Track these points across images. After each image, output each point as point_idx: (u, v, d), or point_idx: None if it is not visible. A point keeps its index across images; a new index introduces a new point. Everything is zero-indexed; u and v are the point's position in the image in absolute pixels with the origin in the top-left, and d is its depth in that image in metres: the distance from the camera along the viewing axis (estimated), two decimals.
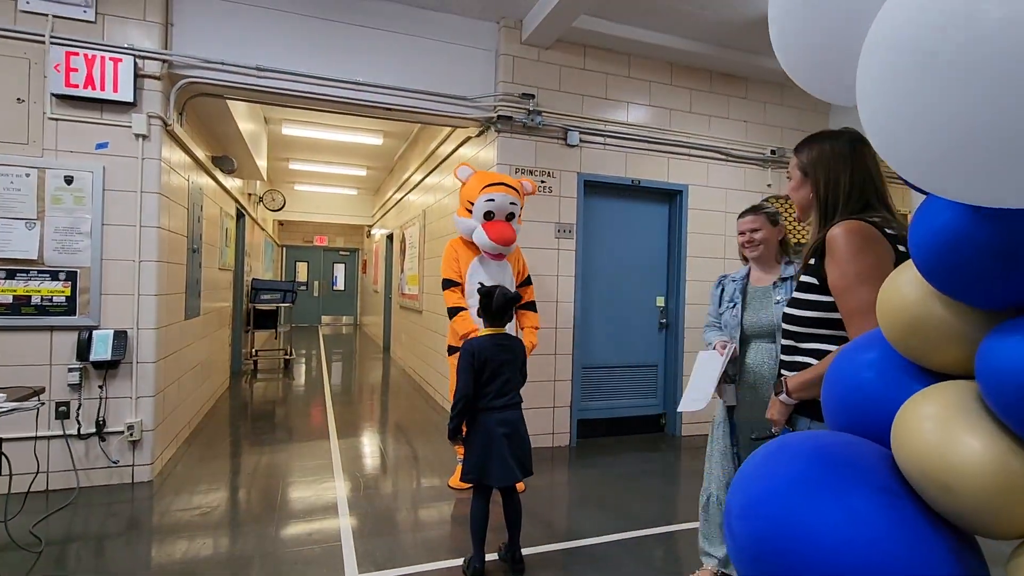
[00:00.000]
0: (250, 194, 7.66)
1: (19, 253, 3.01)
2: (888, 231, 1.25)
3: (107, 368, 3.18)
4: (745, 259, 2.33)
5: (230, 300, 6.38)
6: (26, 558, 2.40)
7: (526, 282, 3.54)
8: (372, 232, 12.04)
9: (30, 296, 3.03)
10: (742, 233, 2.26)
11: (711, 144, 4.67)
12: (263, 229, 9.39)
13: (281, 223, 12.85)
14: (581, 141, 4.24)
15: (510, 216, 3.33)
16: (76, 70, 3.05)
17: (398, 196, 8.31)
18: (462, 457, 3.36)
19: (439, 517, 3.00)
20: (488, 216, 3.28)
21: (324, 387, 6.53)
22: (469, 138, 4.67)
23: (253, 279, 7.53)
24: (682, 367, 4.60)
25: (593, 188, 4.35)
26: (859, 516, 0.53)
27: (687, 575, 2.38)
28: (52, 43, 3.04)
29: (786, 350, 1.43)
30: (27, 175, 3.02)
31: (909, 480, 0.57)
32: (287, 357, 7.86)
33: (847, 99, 0.61)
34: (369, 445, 4.30)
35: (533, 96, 4.06)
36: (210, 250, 4.95)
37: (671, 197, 4.67)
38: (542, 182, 4.15)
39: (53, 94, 3.05)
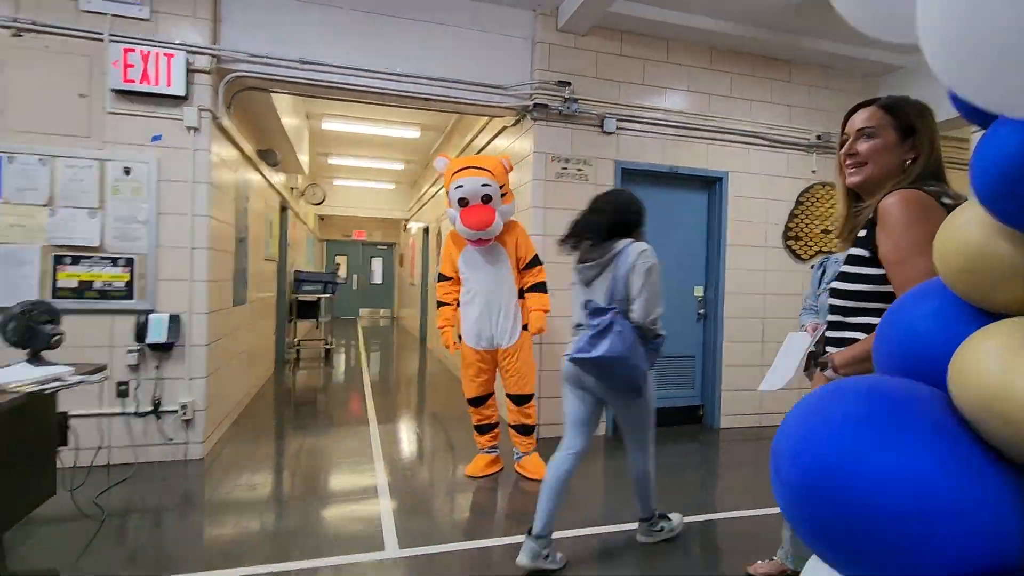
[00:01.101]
0: (292, 188, 7.89)
1: (82, 240, 3.19)
2: (945, 200, 1.20)
3: (162, 350, 3.34)
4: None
5: (274, 291, 6.59)
6: (90, 526, 2.55)
7: (532, 263, 3.33)
8: (409, 226, 12.21)
9: (92, 281, 3.21)
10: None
11: (753, 129, 4.55)
12: (304, 223, 9.65)
13: (321, 218, 13.17)
14: (618, 128, 4.20)
15: (486, 199, 3.12)
16: (132, 66, 3.20)
17: (434, 190, 8.41)
18: (485, 448, 3.39)
19: (473, 501, 3.04)
20: (462, 203, 3.13)
21: (363, 377, 6.68)
22: (505, 128, 4.69)
23: (296, 270, 7.75)
24: (721, 357, 4.51)
25: (630, 176, 4.30)
26: (915, 453, 0.52)
27: (750, 563, 2.33)
28: (111, 41, 3.20)
29: (833, 326, 1.39)
30: (89, 167, 3.19)
31: (967, 416, 0.55)
32: (328, 347, 8.07)
33: (904, 33, 0.59)
34: (407, 432, 4.38)
35: (569, 84, 4.04)
36: (255, 241, 5.13)
37: (710, 184, 4.58)
38: (578, 170, 4.13)
39: (112, 89, 3.21)
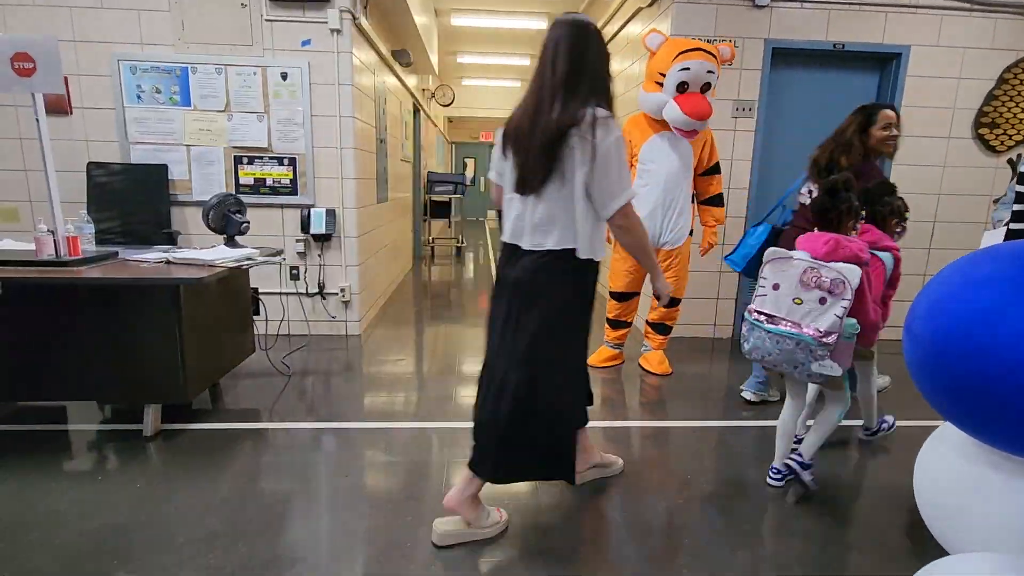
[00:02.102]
0: (424, 89, 8.07)
1: (254, 142, 3.63)
2: None
3: (323, 240, 3.81)
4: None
5: (410, 191, 7.03)
6: (280, 381, 3.14)
7: (713, 169, 3.17)
8: None
9: (265, 179, 3.68)
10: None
11: None
12: (435, 125, 9.93)
13: (450, 120, 13.41)
14: (773, 0, 3.67)
15: (706, 87, 2.92)
16: None
17: None
18: (611, 343, 3.47)
19: (601, 382, 3.22)
20: (682, 88, 2.90)
21: (491, 273, 7.06)
22: (640, 9, 4.31)
23: (429, 172, 8.14)
24: None
25: (783, 57, 3.80)
26: None
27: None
28: None
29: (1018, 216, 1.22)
30: (254, 73, 3.55)
31: None
32: (459, 245, 8.57)
33: None
34: None
35: None
36: (393, 142, 5.43)
37: (884, 63, 3.90)
38: None
39: None
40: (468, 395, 3.02)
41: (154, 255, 2.47)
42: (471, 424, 1.80)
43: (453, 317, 4.83)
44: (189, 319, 2.30)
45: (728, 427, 2.71)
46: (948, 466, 0.66)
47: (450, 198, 7.97)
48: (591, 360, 3.51)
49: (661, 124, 3.07)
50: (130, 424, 2.48)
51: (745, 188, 3.93)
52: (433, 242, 8.30)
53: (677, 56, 2.90)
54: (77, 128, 3.56)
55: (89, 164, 3.50)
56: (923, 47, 3.80)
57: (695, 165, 3.12)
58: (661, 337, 3.43)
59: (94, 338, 2.24)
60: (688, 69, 2.88)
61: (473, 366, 3.54)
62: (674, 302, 3.32)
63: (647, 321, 3.46)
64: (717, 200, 3.20)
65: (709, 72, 2.90)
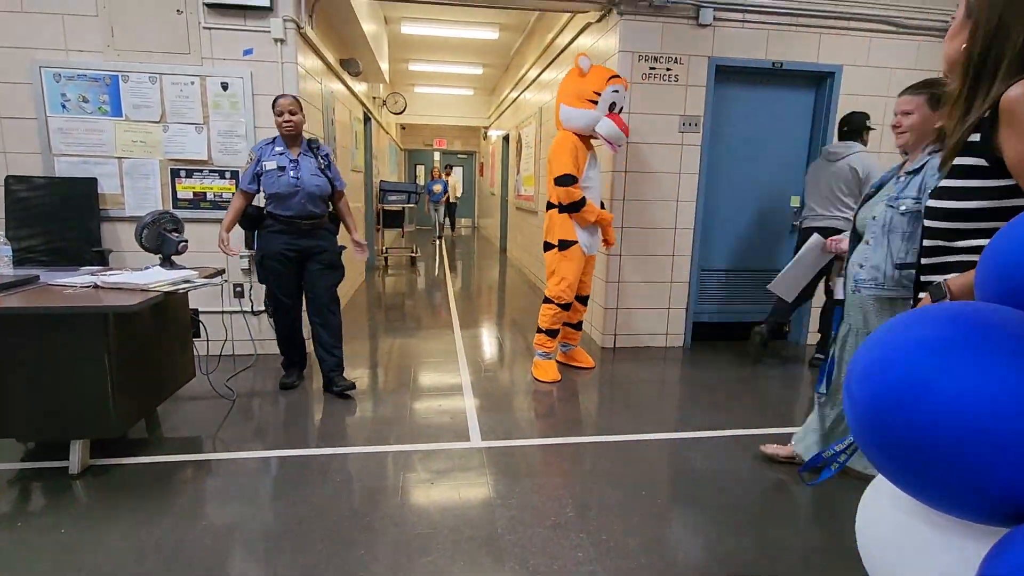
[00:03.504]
0: (374, 97, 7.94)
1: (193, 155, 3.46)
2: None
3: None
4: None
5: (362, 201, 6.88)
6: (224, 404, 2.99)
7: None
8: (488, 134, 12.04)
9: (205, 192, 3.52)
10: (895, 115, 1.99)
11: (876, 13, 3.94)
12: (387, 133, 9.79)
13: (403, 127, 13.27)
14: (715, 19, 3.80)
15: (620, 109, 3.37)
16: None
17: (514, 95, 8.15)
18: (547, 352, 3.52)
19: (550, 401, 3.23)
20: (612, 107, 3.27)
21: (446, 283, 7.00)
22: (589, 24, 4.37)
23: (381, 181, 8.00)
24: None
25: (726, 74, 3.94)
26: (998, 378, 0.50)
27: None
28: None
29: (930, 251, 1.22)
30: (191, 83, 3.39)
31: None
32: (413, 255, 8.45)
33: None
34: (488, 337, 4.62)
35: None
36: (343, 152, 5.31)
37: (819, 81, 4.10)
38: (667, 70, 3.83)
39: (204, 3, 3.31)
40: (423, 414, 2.96)
41: (81, 279, 2.31)
42: (425, 446, 1.75)
43: (407, 329, 4.75)
44: (119, 347, 2.15)
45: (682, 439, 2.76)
46: (886, 520, 0.68)
47: (403, 207, 7.86)
48: (547, 376, 3.48)
49: (588, 144, 3.33)
50: (55, 461, 2.30)
51: (693, 200, 4.04)
52: (386, 252, 8.16)
53: (610, 79, 3.25)
54: None
55: (8, 178, 3.25)
56: (855, 67, 4.02)
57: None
58: (579, 332, 3.74)
59: (11, 370, 2.07)
60: (618, 92, 3.28)
61: (428, 380, 3.48)
62: (587, 299, 3.65)
63: (569, 327, 3.68)
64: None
65: (623, 97, 3.35)
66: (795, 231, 4.32)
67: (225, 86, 3.42)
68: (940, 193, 1.18)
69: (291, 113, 2.85)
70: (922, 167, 1.83)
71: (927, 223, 1.22)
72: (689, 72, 3.86)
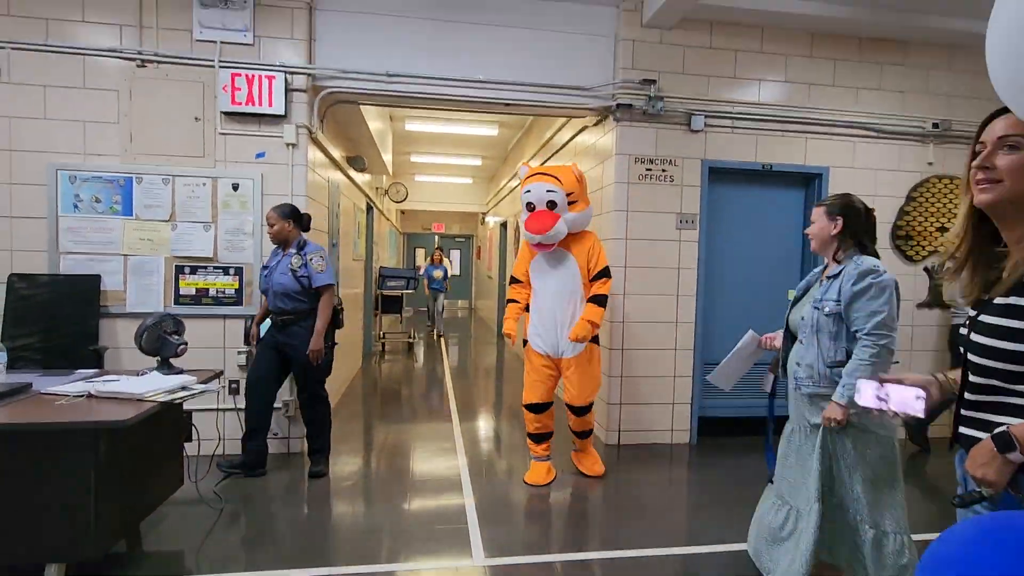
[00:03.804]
0: (377, 187, 8.21)
1: (199, 252, 3.50)
2: None
3: None
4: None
5: (362, 287, 6.93)
6: (211, 512, 2.83)
7: (600, 274, 3.24)
8: (486, 219, 12.37)
9: (208, 288, 3.52)
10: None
11: (858, 120, 4.18)
12: (387, 219, 10.04)
13: (403, 212, 13.63)
14: (706, 125, 4.01)
15: (551, 204, 3.16)
16: (240, 89, 3.44)
17: (512, 184, 8.45)
18: (541, 457, 3.39)
19: (554, 507, 3.07)
20: (529, 207, 3.23)
21: (444, 369, 6.90)
22: (586, 127, 4.61)
23: (380, 267, 8.10)
24: None
25: (718, 175, 4.10)
26: None
27: None
28: (220, 67, 3.45)
29: (979, 389, 1.12)
30: (203, 184, 3.49)
31: None
32: (410, 340, 8.39)
33: None
34: (488, 428, 4.49)
35: (654, 81, 3.90)
36: (345, 242, 5.40)
37: (808, 181, 4.27)
38: (663, 171, 4.00)
39: (222, 112, 3.48)
40: (419, 520, 2.80)
41: (74, 387, 2.24)
42: (422, 566, 1.62)
43: (404, 418, 4.62)
44: (107, 464, 2.05)
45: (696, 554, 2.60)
46: None
47: (402, 293, 7.91)
48: (529, 479, 3.32)
49: (543, 246, 3.24)
50: None
51: (692, 295, 4.07)
52: (384, 337, 8.11)
53: (523, 182, 3.32)
54: (2, 238, 3.34)
55: (11, 276, 3.26)
56: (841, 168, 4.20)
57: (584, 273, 3.24)
58: (585, 441, 3.47)
59: None
60: (529, 191, 3.24)
61: (425, 479, 3.32)
62: (583, 410, 3.30)
63: (570, 428, 3.43)
64: (598, 299, 3.20)
65: (550, 191, 3.17)
66: None
67: (236, 187, 3.53)
68: (995, 331, 1.09)
69: (270, 225, 3.21)
70: (839, 273, 1.98)
71: (977, 359, 1.12)
72: (684, 173, 4.02)
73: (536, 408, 3.31)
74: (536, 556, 2.54)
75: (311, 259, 3.21)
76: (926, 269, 4.33)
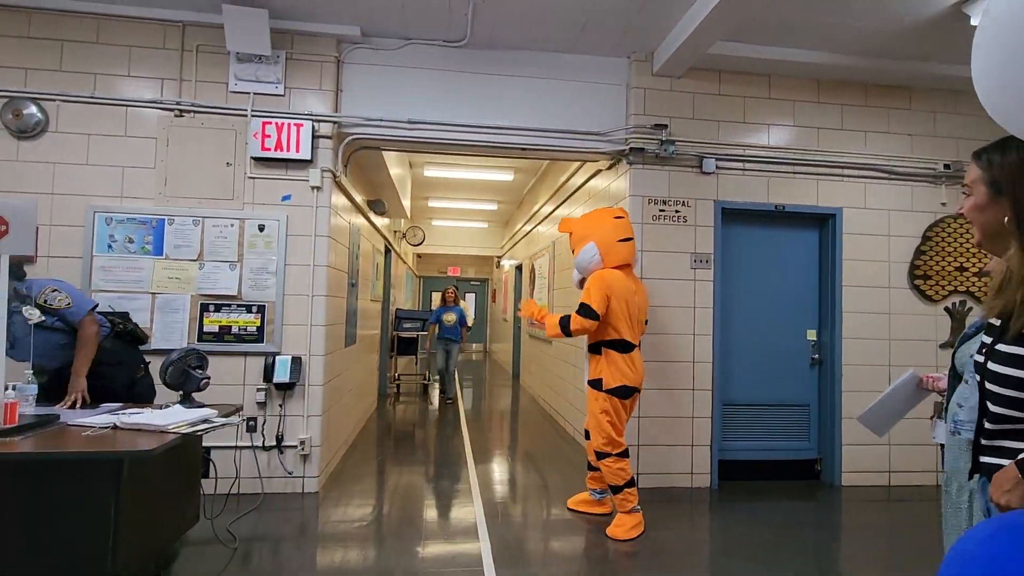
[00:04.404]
0: (395, 231, 8.41)
1: (224, 290, 3.60)
2: None
3: (285, 389, 3.65)
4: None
5: (379, 328, 7.00)
6: (224, 552, 2.80)
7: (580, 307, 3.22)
8: (501, 263, 12.51)
9: (231, 326, 3.60)
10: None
11: (868, 162, 4.25)
12: (404, 262, 10.22)
13: (419, 255, 13.86)
14: (717, 168, 4.10)
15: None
16: (269, 136, 3.63)
17: (527, 228, 8.60)
18: (595, 489, 3.34)
19: (573, 550, 2.99)
20: None
21: (459, 412, 6.84)
22: (600, 170, 4.73)
23: (397, 309, 8.19)
24: (840, 408, 4.15)
25: (731, 216, 4.16)
26: None
27: None
28: (253, 116, 3.65)
29: (997, 418, 1.15)
30: (231, 225, 3.63)
31: None
32: (424, 382, 8.38)
33: None
34: (504, 472, 4.42)
35: (666, 126, 4.03)
36: (364, 283, 5.51)
37: (822, 222, 4.31)
38: (676, 211, 4.07)
39: (252, 157, 3.66)
40: (439, 559, 2.74)
41: (100, 419, 2.29)
42: None
43: (418, 461, 4.56)
44: (128, 497, 2.07)
45: None
46: None
47: (417, 335, 7.96)
48: (570, 503, 3.36)
49: None
50: None
51: (709, 334, 4.06)
52: (399, 379, 8.12)
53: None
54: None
55: None
56: (854, 209, 4.24)
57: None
58: (616, 496, 3.19)
59: (12, 519, 1.98)
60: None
61: (439, 524, 3.27)
62: (598, 456, 3.20)
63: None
64: (563, 317, 3.21)
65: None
66: (815, 364, 4.28)
67: (262, 227, 3.66)
68: (1011, 361, 1.11)
69: None
70: None
71: (994, 388, 1.15)
72: (697, 213, 4.09)
73: (586, 434, 3.35)
74: None
75: (44, 296, 2.58)
76: (947, 309, 4.28)
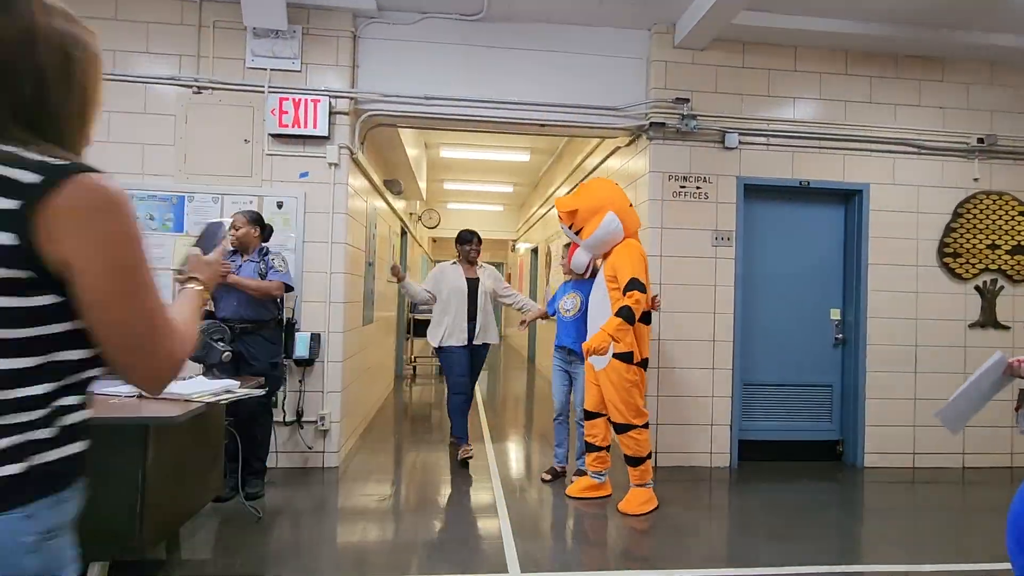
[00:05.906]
0: (411, 213, 8.40)
1: None
2: None
3: (305, 365, 3.68)
4: None
5: (395, 310, 7.02)
6: (247, 523, 2.85)
7: (627, 287, 3.00)
8: (517, 246, 12.46)
9: None
10: None
11: (898, 136, 4.12)
12: (420, 245, 10.22)
13: (434, 240, 13.86)
14: (740, 143, 4.00)
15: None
16: (287, 112, 3.61)
17: (543, 211, 8.53)
18: (589, 472, 3.29)
19: (592, 525, 2.99)
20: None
21: (476, 394, 6.86)
22: (618, 148, 4.65)
23: None
24: (863, 389, 4.07)
25: (754, 192, 4.07)
26: None
27: None
28: (270, 92, 3.64)
29: None
30: (250, 202, 3.64)
31: None
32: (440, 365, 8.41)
33: None
34: (521, 451, 4.43)
35: (687, 100, 3.93)
36: (381, 264, 5.51)
37: (848, 198, 4.19)
38: (697, 188, 3.99)
39: (270, 134, 3.65)
40: (460, 530, 2.75)
41: (126, 388, 2.31)
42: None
43: (435, 441, 4.59)
44: (154, 462, 2.10)
45: None
46: None
47: None
48: (568, 491, 3.28)
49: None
50: None
51: (730, 312, 3.99)
52: (415, 361, 8.16)
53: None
54: None
55: None
56: (881, 184, 4.12)
57: (610, 282, 3.16)
58: (635, 469, 3.13)
59: None
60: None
61: (459, 497, 3.28)
62: (621, 428, 3.10)
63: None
64: (621, 311, 3.00)
65: (563, 228, 3.41)
66: (838, 344, 4.20)
67: (280, 205, 3.66)
68: None
69: (235, 228, 3.14)
70: None
71: None
72: (718, 190, 4.00)
73: (587, 415, 3.29)
74: (572, 574, 2.46)
75: (273, 258, 3.21)
76: (977, 288, 4.16)
